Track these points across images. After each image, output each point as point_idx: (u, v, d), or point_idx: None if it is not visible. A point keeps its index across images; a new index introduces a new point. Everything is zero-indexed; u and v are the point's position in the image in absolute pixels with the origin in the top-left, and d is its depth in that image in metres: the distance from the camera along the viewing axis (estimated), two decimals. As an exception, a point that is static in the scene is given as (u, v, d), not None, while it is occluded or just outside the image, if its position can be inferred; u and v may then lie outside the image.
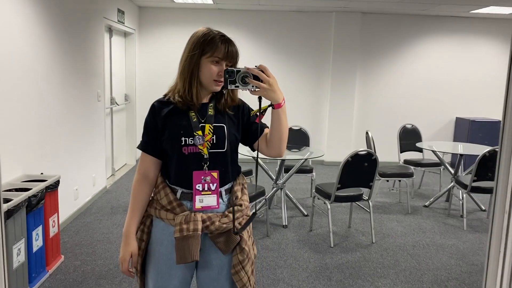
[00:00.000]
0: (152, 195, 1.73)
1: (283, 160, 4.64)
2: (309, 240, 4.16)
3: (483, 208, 5.27)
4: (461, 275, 3.54)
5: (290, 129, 5.45)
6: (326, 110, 7.57)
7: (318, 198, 4.28)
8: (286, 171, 4.94)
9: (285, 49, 7.44)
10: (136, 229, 1.72)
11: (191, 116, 1.64)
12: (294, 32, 7.40)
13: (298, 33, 7.40)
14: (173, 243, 1.63)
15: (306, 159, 4.66)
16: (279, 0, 6.26)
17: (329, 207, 4.09)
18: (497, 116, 7.59)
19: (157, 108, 1.67)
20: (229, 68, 1.54)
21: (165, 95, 1.71)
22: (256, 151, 1.73)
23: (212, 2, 6.50)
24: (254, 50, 7.38)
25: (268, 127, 1.71)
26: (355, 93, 7.50)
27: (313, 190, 4.36)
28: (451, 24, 7.43)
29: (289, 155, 4.85)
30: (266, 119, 1.61)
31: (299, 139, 5.49)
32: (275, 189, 4.78)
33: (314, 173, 5.34)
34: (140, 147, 1.72)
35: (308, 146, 5.43)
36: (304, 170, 5.17)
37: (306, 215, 4.84)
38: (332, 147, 7.54)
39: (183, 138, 1.62)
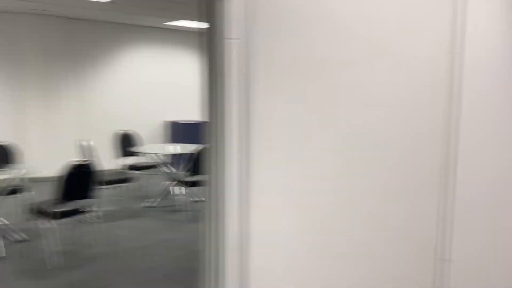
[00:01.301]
0: None
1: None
2: (34, 267, 3.71)
3: (201, 199, 5.89)
4: (189, 263, 3.88)
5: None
6: (33, 121, 6.85)
7: (38, 219, 3.87)
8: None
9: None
10: None
11: None
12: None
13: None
14: None
15: (16, 178, 4.13)
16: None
17: (50, 226, 3.76)
18: (197, 117, 8.55)
19: None
20: None
21: None
22: None
23: None
24: None
25: None
26: (69, 101, 7.07)
27: (30, 211, 3.91)
28: (152, 34, 7.93)
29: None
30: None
31: (1, 156, 4.80)
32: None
33: (28, 192, 4.77)
34: None
35: (15, 163, 4.81)
36: (16, 190, 4.56)
37: (27, 240, 4.29)
38: (46, 161, 6.88)
39: None
